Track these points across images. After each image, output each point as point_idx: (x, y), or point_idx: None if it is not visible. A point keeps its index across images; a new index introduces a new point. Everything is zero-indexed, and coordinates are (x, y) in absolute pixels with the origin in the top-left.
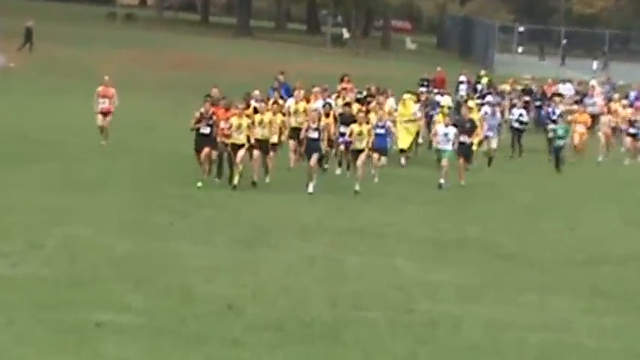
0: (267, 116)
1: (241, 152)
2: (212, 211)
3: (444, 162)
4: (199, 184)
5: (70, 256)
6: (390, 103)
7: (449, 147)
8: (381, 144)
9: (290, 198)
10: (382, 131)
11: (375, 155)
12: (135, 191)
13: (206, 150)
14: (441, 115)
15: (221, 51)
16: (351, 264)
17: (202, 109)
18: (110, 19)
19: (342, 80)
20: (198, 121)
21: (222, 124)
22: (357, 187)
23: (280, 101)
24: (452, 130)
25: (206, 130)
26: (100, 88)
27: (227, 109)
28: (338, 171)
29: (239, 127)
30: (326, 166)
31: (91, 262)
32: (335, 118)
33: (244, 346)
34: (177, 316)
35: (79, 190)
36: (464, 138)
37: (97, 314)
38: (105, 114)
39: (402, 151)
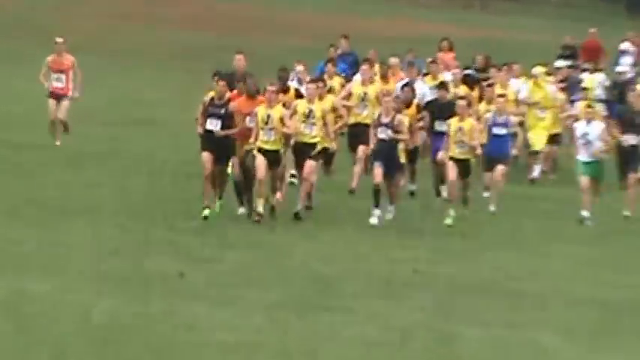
0: (320, 106)
1: (261, 162)
2: (242, 254)
3: (584, 181)
4: (205, 212)
5: (15, 325)
6: (517, 84)
7: (588, 156)
8: (501, 149)
9: (363, 234)
10: (503, 131)
11: (500, 168)
12: (121, 221)
13: (209, 158)
14: (583, 103)
15: (260, 2)
16: (467, 339)
17: (210, 95)
18: None
19: (441, 49)
20: (204, 114)
21: (247, 121)
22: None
23: (333, 81)
24: (596, 128)
25: (213, 125)
26: (51, 58)
27: (252, 97)
28: (444, 194)
29: (266, 121)
30: (403, 183)
31: (50, 336)
32: (419, 109)
33: None
34: None
35: (34, 218)
36: (631, 139)
37: None
38: (58, 97)
39: (534, 153)
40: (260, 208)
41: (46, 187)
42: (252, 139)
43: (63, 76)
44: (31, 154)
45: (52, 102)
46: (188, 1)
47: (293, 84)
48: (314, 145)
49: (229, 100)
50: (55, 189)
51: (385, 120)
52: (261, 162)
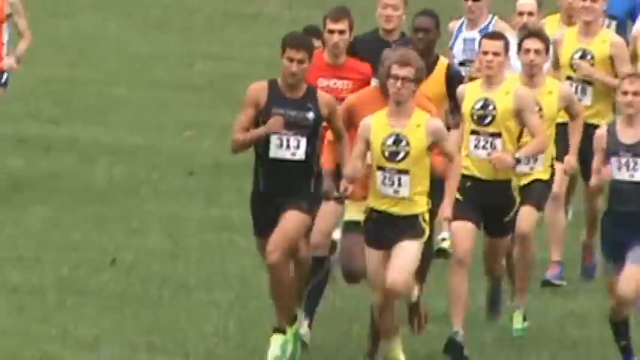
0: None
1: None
2: None
3: None
4: (277, 345)
5: None
6: None
7: None
8: None
9: None
10: None
11: None
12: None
13: (291, 217)
14: None
15: None
16: None
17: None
18: None
19: None
20: (246, 130)
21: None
22: None
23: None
24: None
25: (294, 151)
26: None
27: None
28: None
29: (390, 149)
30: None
31: None
32: None
33: None
34: None
35: None
36: None
37: None
38: None
39: None
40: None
41: None
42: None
43: None
44: None
45: None
46: None
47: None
48: (507, 185)
49: (315, 89)
50: None
51: (628, 138)
52: (374, 260)
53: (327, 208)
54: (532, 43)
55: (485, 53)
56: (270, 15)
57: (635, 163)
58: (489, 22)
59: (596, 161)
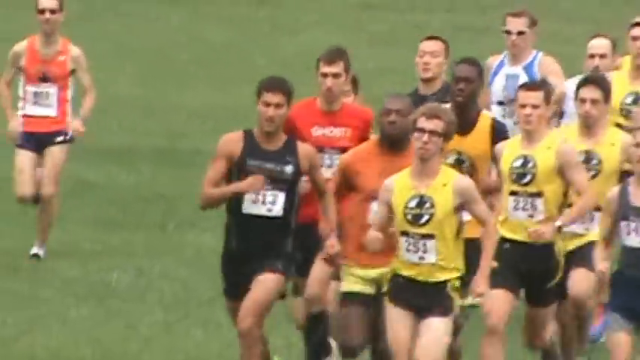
0: None
1: (401, 330)
2: None
3: None
4: None
5: None
6: None
7: None
8: None
9: None
10: None
11: None
12: None
13: (265, 280)
14: None
15: None
16: None
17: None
18: None
19: None
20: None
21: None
22: None
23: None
24: None
25: (270, 207)
26: (23, 47)
27: (391, 147)
28: None
29: (415, 213)
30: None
31: None
32: None
33: None
34: None
35: None
36: None
37: None
38: (39, 140)
39: None
40: None
41: None
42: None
43: (52, 88)
44: None
45: (24, 156)
46: None
47: None
48: (548, 253)
49: (294, 140)
50: None
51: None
52: (400, 332)
53: (322, 263)
54: (588, 92)
55: (523, 106)
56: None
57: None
58: (534, 58)
59: (602, 228)
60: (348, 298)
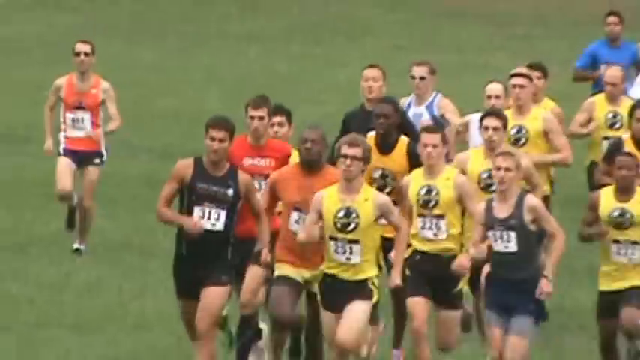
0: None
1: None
2: None
3: None
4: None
5: None
6: None
7: None
8: None
9: None
10: None
11: None
12: None
13: (213, 293)
14: None
15: None
16: None
17: (185, 162)
18: None
19: None
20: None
21: (294, 219)
22: None
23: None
24: None
25: (214, 222)
26: (63, 81)
27: (314, 169)
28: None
29: (342, 223)
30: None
31: None
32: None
33: None
34: None
35: None
36: None
37: None
38: (79, 154)
39: None
40: None
41: None
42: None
43: (86, 117)
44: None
45: (64, 164)
46: None
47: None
48: (446, 263)
49: (235, 167)
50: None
51: (502, 214)
52: (330, 322)
53: (254, 271)
54: (491, 122)
55: (425, 146)
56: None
57: (509, 236)
58: (434, 99)
59: (475, 235)
60: (280, 279)
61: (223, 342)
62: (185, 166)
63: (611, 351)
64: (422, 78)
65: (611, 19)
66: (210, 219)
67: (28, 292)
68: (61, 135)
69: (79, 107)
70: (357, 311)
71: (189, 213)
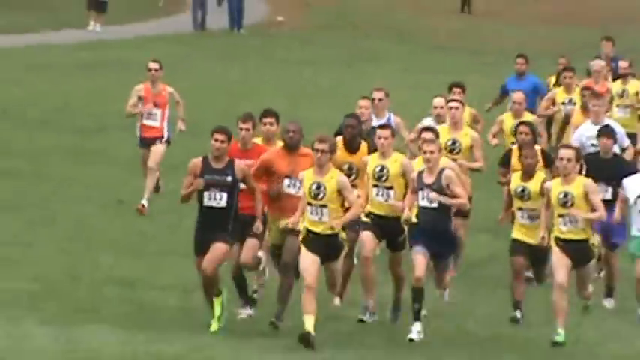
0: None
1: (309, 261)
2: None
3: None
4: (213, 326)
5: None
6: None
7: None
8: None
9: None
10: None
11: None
12: None
13: (216, 249)
14: None
15: None
16: None
17: (197, 159)
18: None
19: None
20: (190, 186)
21: (285, 185)
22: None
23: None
24: None
25: (218, 201)
26: (141, 86)
27: (293, 150)
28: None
29: (317, 193)
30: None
31: None
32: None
33: None
34: None
35: None
36: None
37: None
38: (149, 142)
39: None
40: (309, 327)
41: None
42: (295, 218)
43: (157, 112)
44: None
45: (146, 152)
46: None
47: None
48: (395, 223)
49: (231, 160)
50: None
51: (428, 180)
52: (308, 261)
53: (251, 241)
54: (427, 135)
55: (379, 138)
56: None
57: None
58: (390, 117)
59: (408, 196)
60: (273, 249)
61: (213, 313)
62: (195, 163)
63: (518, 280)
64: (380, 99)
65: (520, 59)
66: (215, 199)
67: None
68: (137, 125)
69: (153, 104)
70: (337, 267)
71: (201, 197)
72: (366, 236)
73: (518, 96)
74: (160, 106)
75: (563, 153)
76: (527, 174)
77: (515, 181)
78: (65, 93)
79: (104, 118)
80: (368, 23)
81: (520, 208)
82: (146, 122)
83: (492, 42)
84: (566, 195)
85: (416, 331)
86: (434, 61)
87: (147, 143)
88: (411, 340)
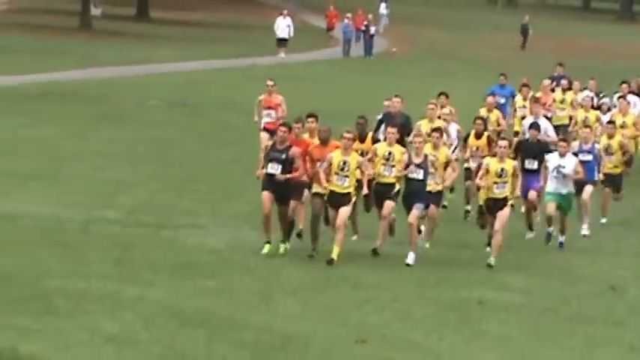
0: (399, 149)
1: (344, 210)
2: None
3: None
4: (265, 249)
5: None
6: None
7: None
8: (588, 174)
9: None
10: (588, 157)
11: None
12: None
13: (268, 198)
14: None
15: (602, 37)
16: None
17: (268, 143)
18: (491, 4)
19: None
20: (265, 157)
21: (318, 165)
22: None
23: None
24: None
25: (274, 169)
26: (262, 97)
27: (324, 143)
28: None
29: (342, 167)
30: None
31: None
32: (489, 140)
33: (627, 327)
34: (559, 296)
35: None
36: None
37: (478, 292)
38: (270, 131)
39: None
40: (334, 255)
41: None
42: (323, 184)
43: (272, 112)
44: None
45: (264, 135)
46: (549, 39)
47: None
48: (392, 185)
49: (290, 145)
50: None
51: (417, 160)
52: (334, 212)
53: (293, 202)
54: (391, 129)
55: (388, 133)
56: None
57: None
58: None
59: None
60: (315, 194)
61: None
62: (267, 145)
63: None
64: (398, 102)
65: (501, 78)
66: (274, 168)
67: None
68: (262, 120)
69: (269, 107)
70: (346, 210)
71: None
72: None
73: (490, 100)
74: (274, 108)
75: (501, 142)
76: (501, 159)
77: (493, 164)
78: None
79: (296, 109)
80: (448, 53)
81: (495, 182)
82: (266, 119)
83: (530, 69)
84: (502, 170)
85: (411, 258)
86: (488, 78)
87: (267, 130)
88: (408, 264)
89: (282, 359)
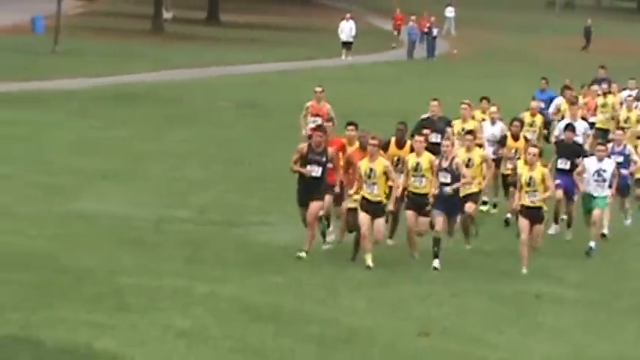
0: (427, 158)
1: (364, 217)
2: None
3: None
4: (301, 253)
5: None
6: None
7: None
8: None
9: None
10: (620, 159)
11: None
12: None
13: (314, 205)
14: None
15: None
16: None
17: (304, 145)
18: (549, 7)
19: None
20: (298, 161)
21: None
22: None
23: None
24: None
25: (315, 171)
26: (310, 103)
27: (364, 149)
28: (552, 230)
29: (369, 175)
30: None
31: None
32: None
33: None
34: (612, 289)
35: None
36: None
37: (535, 286)
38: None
39: None
40: (369, 261)
41: None
42: (353, 190)
43: (319, 120)
44: None
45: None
46: (602, 40)
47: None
48: (425, 196)
49: (326, 147)
50: None
51: (444, 164)
52: (364, 217)
53: (327, 199)
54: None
55: (416, 142)
56: None
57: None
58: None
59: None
60: (350, 210)
61: (320, 229)
62: (302, 147)
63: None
64: (436, 106)
65: (542, 82)
66: (315, 172)
67: None
68: (307, 127)
69: (316, 115)
70: (381, 223)
71: (305, 166)
72: (411, 215)
73: (535, 104)
74: (321, 115)
75: (531, 149)
76: (531, 165)
77: (522, 168)
78: (335, 94)
79: (360, 110)
80: (509, 55)
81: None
82: (311, 125)
83: (586, 69)
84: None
85: (437, 263)
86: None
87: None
88: (435, 268)
89: (347, 352)
